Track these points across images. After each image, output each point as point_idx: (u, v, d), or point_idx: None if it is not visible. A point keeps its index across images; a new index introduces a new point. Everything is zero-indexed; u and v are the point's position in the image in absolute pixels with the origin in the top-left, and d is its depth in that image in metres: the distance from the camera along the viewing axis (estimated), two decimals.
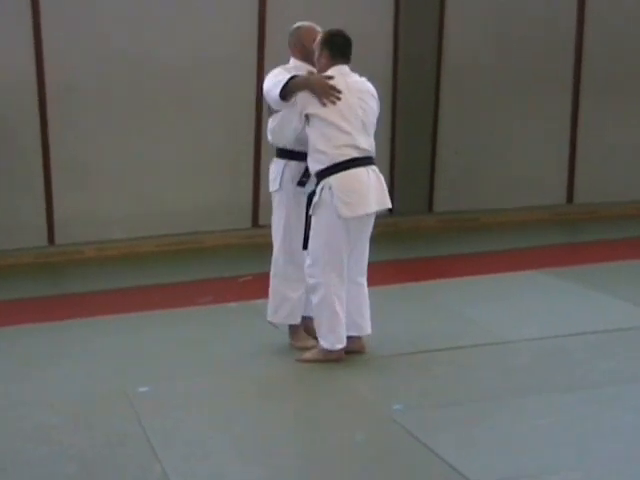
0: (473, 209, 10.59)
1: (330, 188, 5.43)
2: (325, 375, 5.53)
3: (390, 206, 5.68)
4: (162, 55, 9.39)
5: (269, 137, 5.80)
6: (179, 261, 9.13)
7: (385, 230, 9.14)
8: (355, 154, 5.48)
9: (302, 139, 5.58)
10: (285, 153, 5.74)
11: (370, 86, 5.64)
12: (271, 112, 5.77)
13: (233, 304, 7.15)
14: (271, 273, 5.94)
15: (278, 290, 5.90)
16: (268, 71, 9.33)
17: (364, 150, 5.52)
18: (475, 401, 5.11)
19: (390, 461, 4.49)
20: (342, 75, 5.52)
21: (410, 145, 10.36)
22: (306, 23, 5.83)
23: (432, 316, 6.60)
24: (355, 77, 5.60)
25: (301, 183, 5.68)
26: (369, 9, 9.91)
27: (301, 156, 5.62)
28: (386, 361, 5.72)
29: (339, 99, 5.44)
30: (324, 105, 5.43)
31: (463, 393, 5.24)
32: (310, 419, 5.09)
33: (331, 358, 5.64)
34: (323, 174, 5.48)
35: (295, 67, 5.71)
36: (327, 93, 5.43)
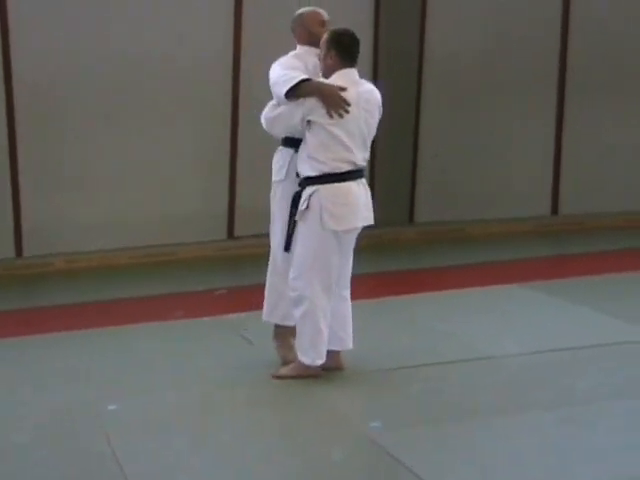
0: (455, 220, 10.64)
1: (319, 198, 5.48)
2: (302, 391, 5.56)
3: (372, 222, 5.73)
4: (136, 61, 9.40)
5: (263, 124, 5.72)
6: (152, 274, 9.14)
7: (363, 242, 9.18)
8: (349, 168, 5.55)
9: (296, 133, 5.59)
10: (292, 142, 5.70)
11: (378, 96, 5.66)
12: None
13: (206, 319, 7.16)
14: (268, 270, 5.92)
15: (276, 288, 5.87)
16: (244, 75, 9.61)
17: (358, 165, 5.59)
18: (454, 419, 5.15)
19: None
20: (354, 84, 5.53)
21: (390, 153, 10.39)
22: (308, 8, 5.87)
23: (411, 331, 6.64)
24: (364, 85, 5.62)
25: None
26: (349, 5, 9.93)
27: None
28: (364, 377, 5.75)
29: (347, 112, 5.45)
30: (331, 117, 5.44)
31: (441, 410, 5.27)
32: (286, 436, 5.12)
33: (309, 374, 5.67)
34: (314, 181, 5.52)
35: (305, 52, 5.73)
36: (337, 106, 5.43)
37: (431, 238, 10.32)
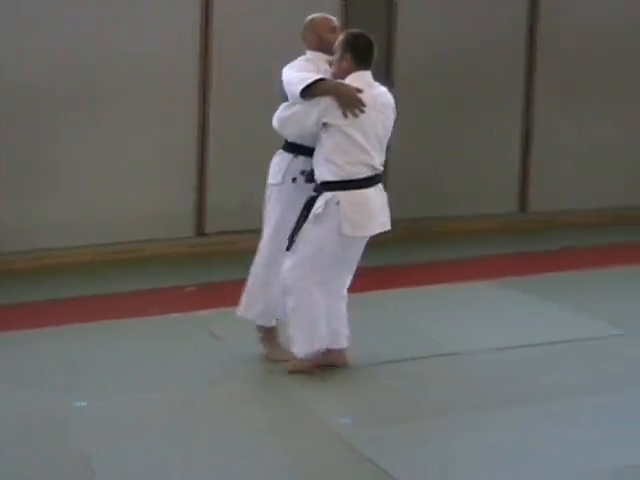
0: (425, 217, 10.66)
1: (338, 204, 5.48)
2: (273, 388, 5.60)
3: (389, 228, 5.75)
4: (100, 56, 9.34)
5: (275, 124, 5.73)
6: (120, 271, 9.07)
7: None
8: (368, 173, 5.57)
9: (307, 136, 5.60)
10: (294, 147, 5.74)
11: (391, 98, 5.71)
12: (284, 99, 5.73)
13: (176, 315, 7.13)
14: (251, 269, 5.94)
15: (255, 287, 5.91)
16: (212, 70, 9.58)
17: (376, 169, 5.61)
18: (425, 416, 5.19)
19: (335, 477, 4.53)
20: (369, 87, 5.55)
21: None
22: (319, 14, 5.92)
23: (383, 327, 6.66)
24: (379, 88, 5.65)
25: (310, 181, 5.69)
26: (315, 8, 9.91)
27: (309, 152, 5.66)
28: (336, 374, 5.76)
29: (363, 112, 5.45)
30: (345, 117, 5.44)
31: (413, 407, 5.31)
32: (257, 434, 5.10)
33: (303, 370, 5.66)
34: (332, 186, 5.52)
35: (316, 57, 5.75)
36: (353, 106, 5.45)
37: (402, 235, 10.30)
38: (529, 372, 5.77)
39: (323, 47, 5.75)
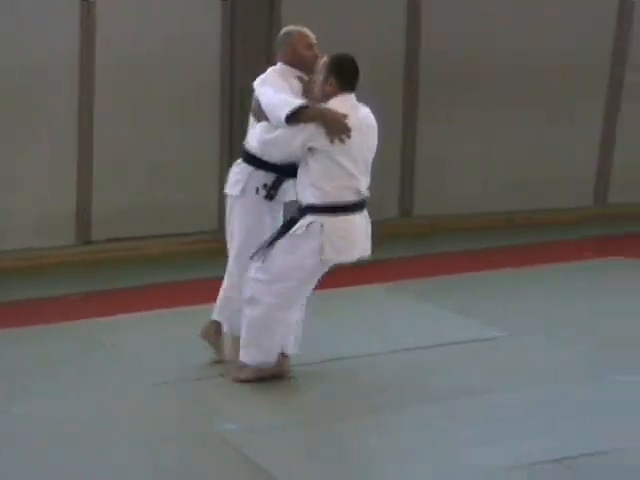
0: None
1: (322, 228, 5.48)
2: (164, 395, 5.63)
3: (369, 253, 5.78)
4: None
5: (257, 146, 5.68)
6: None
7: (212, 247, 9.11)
8: (354, 198, 5.58)
9: (293, 159, 5.59)
10: (255, 160, 5.73)
11: (374, 119, 5.70)
12: (258, 118, 5.70)
13: (62, 324, 7.05)
14: (224, 285, 5.95)
15: (227, 293, 5.94)
16: (96, 66, 9.45)
17: (362, 194, 5.63)
18: (319, 419, 5.29)
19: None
20: (354, 109, 5.57)
21: None
22: (295, 28, 5.91)
23: None
24: (363, 110, 5.66)
25: (270, 196, 5.72)
26: (197, 16, 9.89)
27: (270, 166, 5.68)
28: (220, 379, 5.82)
29: (349, 137, 5.46)
30: (332, 142, 5.45)
31: (307, 411, 5.42)
32: (142, 440, 5.11)
33: (265, 374, 5.68)
34: (316, 210, 5.52)
35: (285, 71, 5.75)
36: (340, 132, 5.46)
37: None
38: (421, 374, 5.91)
39: (296, 62, 5.76)
